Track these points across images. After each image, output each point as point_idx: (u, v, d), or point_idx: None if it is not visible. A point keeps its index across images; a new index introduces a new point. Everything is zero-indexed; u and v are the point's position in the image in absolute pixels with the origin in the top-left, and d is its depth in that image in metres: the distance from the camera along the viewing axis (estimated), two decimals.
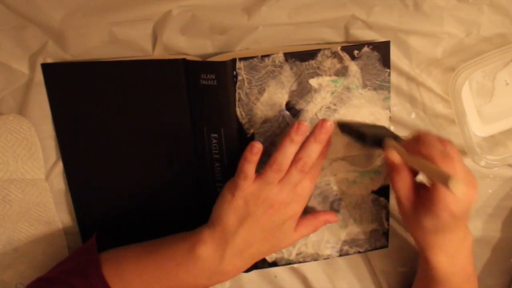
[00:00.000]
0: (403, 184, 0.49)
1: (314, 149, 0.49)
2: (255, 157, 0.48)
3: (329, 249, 0.60)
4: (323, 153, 0.51)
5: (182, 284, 0.50)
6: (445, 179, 0.41)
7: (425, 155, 0.46)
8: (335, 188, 0.57)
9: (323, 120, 0.49)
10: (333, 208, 0.58)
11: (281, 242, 0.52)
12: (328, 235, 0.59)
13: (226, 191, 0.50)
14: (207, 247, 0.49)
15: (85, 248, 0.54)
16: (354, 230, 0.59)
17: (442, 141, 0.48)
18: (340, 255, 0.60)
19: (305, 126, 0.48)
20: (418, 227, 0.49)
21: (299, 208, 0.52)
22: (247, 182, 0.49)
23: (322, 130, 0.49)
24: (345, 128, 0.54)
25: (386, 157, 0.49)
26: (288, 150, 0.49)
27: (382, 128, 0.54)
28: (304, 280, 0.63)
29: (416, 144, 0.48)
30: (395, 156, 0.48)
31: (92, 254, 0.51)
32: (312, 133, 0.50)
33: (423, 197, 0.48)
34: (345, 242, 0.60)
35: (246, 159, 0.48)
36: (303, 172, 0.50)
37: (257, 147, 0.48)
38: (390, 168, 0.49)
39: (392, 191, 0.52)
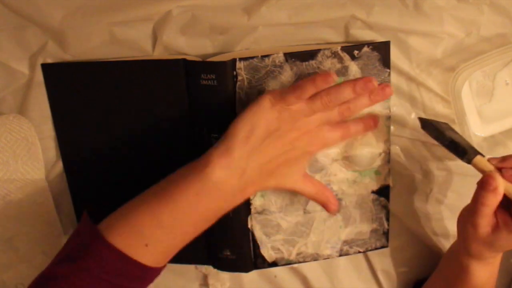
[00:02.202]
0: (492, 203, 0.47)
1: (364, 103, 0.50)
2: (324, 85, 0.47)
3: (329, 249, 0.60)
4: (365, 128, 0.52)
5: (206, 213, 0.47)
6: None
7: None
8: (335, 188, 0.57)
9: (387, 85, 0.50)
10: None
11: (288, 176, 0.50)
12: (328, 235, 0.59)
13: (265, 99, 0.47)
14: (225, 168, 0.46)
15: (80, 228, 0.48)
16: (354, 230, 0.59)
17: None
18: (340, 255, 0.60)
19: (373, 85, 0.48)
20: (483, 240, 0.49)
21: (318, 149, 0.51)
22: (298, 102, 0.47)
23: (381, 92, 0.50)
24: (428, 126, 0.52)
25: (489, 175, 0.48)
26: (346, 93, 0.48)
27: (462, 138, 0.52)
28: (304, 280, 0.63)
29: (508, 162, 0.48)
30: (499, 179, 0.47)
31: (91, 228, 0.47)
32: (371, 91, 0.49)
33: (505, 217, 0.48)
34: (345, 242, 0.60)
35: (314, 83, 0.46)
36: (342, 116, 0.50)
37: (332, 78, 0.46)
38: (486, 185, 0.48)
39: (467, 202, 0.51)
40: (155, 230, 0.46)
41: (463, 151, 0.50)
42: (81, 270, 0.44)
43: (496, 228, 0.48)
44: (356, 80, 0.48)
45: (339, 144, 0.55)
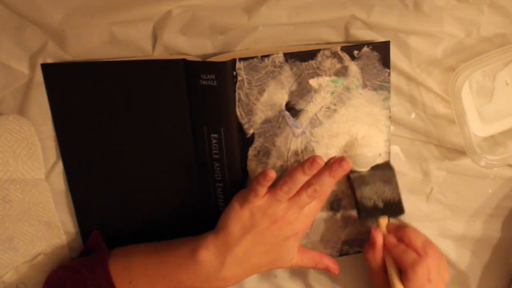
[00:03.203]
0: (373, 259, 0.55)
1: (328, 182, 0.52)
2: (268, 183, 0.50)
3: (329, 249, 0.60)
4: (335, 176, 0.53)
5: (182, 285, 0.52)
6: None
7: (404, 248, 0.54)
8: (335, 188, 0.57)
9: (342, 159, 0.52)
10: (333, 208, 0.58)
11: (282, 259, 0.54)
12: (328, 235, 0.59)
13: (235, 201, 0.52)
14: (208, 252, 0.51)
15: (92, 245, 0.57)
16: (354, 230, 0.59)
17: (426, 243, 0.54)
18: (340, 255, 0.60)
19: (319, 163, 0.50)
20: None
21: (303, 227, 0.54)
22: (257, 199, 0.51)
23: (339, 168, 0.52)
24: (353, 181, 0.56)
25: (372, 235, 0.55)
26: (299, 178, 0.51)
27: (392, 191, 0.56)
28: (304, 280, 0.63)
29: (400, 232, 0.55)
30: (379, 238, 0.55)
31: (102, 250, 0.55)
32: (329, 166, 0.52)
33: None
34: (345, 242, 0.60)
35: (259, 182, 0.50)
36: (312, 198, 0.52)
37: (271, 176, 0.49)
38: (371, 243, 0.55)
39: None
40: (141, 275, 0.53)
41: (358, 212, 0.56)
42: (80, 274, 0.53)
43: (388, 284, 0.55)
44: (302, 163, 0.51)
45: (339, 144, 0.55)
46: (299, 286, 0.63)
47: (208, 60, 0.53)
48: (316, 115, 0.54)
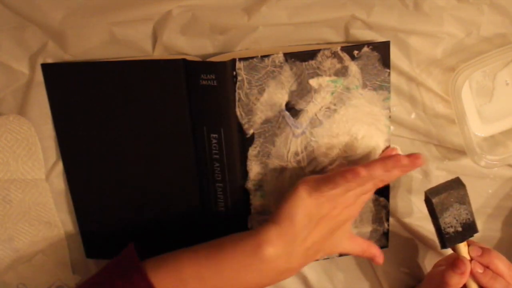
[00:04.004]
0: (455, 284, 0.53)
1: (396, 175, 0.50)
2: (354, 181, 0.47)
3: None
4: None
5: (249, 285, 0.49)
6: None
7: (493, 275, 0.53)
8: None
9: (416, 157, 0.48)
10: None
11: (337, 244, 0.53)
12: None
13: (302, 189, 0.49)
14: (275, 247, 0.47)
15: (124, 257, 0.50)
16: (354, 230, 0.59)
17: (510, 267, 0.53)
18: (341, 255, 0.60)
19: (406, 167, 0.48)
20: None
21: (357, 211, 0.53)
22: (332, 191, 0.48)
23: (411, 165, 0.49)
24: (435, 208, 0.54)
25: (458, 263, 0.53)
26: (377, 172, 0.48)
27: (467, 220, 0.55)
28: (304, 280, 0.63)
29: (486, 259, 0.54)
30: (467, 266, 0.53)
31: (135, 262, 0.48)
32: (403, 164, 0.48)
33: None
34: None
35: (345, 178, 0.47)
36: (376, 187, 0.51)
37: (363, 175, 0.47)
38: (453, 269, 0.53)
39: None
40: (196, 284, 0.48)
41: (442, 241, 0.55)
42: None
43: None
44: (386, 159, 0.48)
45: (339, 145, 0.55)
46: (298, 286, 0.63)
47: (208, 60, 0.53)
48: (316, 115, 0.54)
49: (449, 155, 0.59)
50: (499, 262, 0.53)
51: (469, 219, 0.54)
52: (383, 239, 0.60)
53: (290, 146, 0.55)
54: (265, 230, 0.48)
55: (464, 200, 0.54)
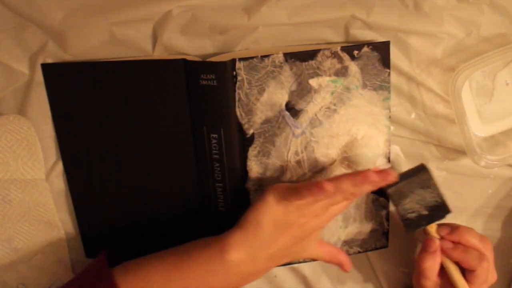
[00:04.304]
0: (431, 265, 0.55)
1: (367, 189, 0.49)
2: (321, 196, 0.47)
3: None
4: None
5: None
6: None
7: (464, 248, 0.54)
8: None
9: (388, 173, 0.48)
10: None
11: (304, 250, 0.53)
12: (328, 235, 0.59)
13: (270, 196, 0.49)
14: (239, 251, 0.48)
15: (94, 265, 0.51)
16: (354, 230, 0.59)
17: (481, 239, 0.54)
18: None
19: (374, 183, 0.48)
20: None
21: (326, 221, 0.52)
22: (299, 202, 0.48)
23: (382, 180, 0.48)
24: (390, 197, 0.55)
25: (427, 243, 0.55)
26: (345, 186, 0.48)
27: (435, 198, 0.55)
28: (304, 280, 0.63)
29: (455, 235, 0.54)
30: (435, 245, 0.54)
31: (104, 270, 0.50)
32: (372, 180, 0.48)
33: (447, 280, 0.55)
34: (345, 242, 0.60)
35: (311, 192, 0.47)
36: (347, 200, 0.51)
37: (328, 192, 0.46)
38: (425, 250, 0.55)
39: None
40: None
41: (405, 227, 0.56)
42: None
43: (441, 287, 0.55)
44: (355, 174, 0.48)
45: (339, 145, 0.55)
46: (298, 286, 0.63)
47: (208, 60, 0.53)
48: (316, 115, 0.54)
49: (449, 155, 0.59)
50: (469, 236, 0.54)
51: (436, 201, 0.55)
52: (383, 239, 0.60)
53: (290, 146, 0.55)
54: (230, 235, 0.49)
55: (427, 184, 0.55)
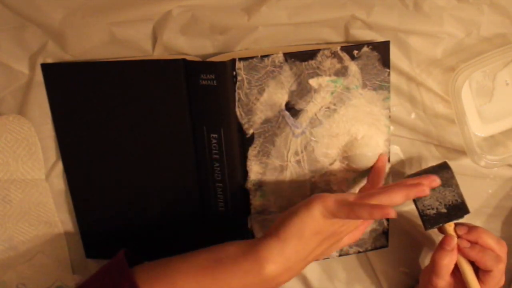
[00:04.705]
0: (447, 263, 0.54)
1: (399, 200, 0.47)
2: (372, 217, 0.45)
3: None
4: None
5: None
6: None
7: (481, 248, 0.53)
8: (335, 188, 0.57)
9: (419, 185, 0.47)
10: None
11: (329, 253, 0.53)
12: None
13: (316, 208, 0.46)
14: (277, 265, 0.45)
15: (113, 264, 0.49)
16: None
17: (498, 242, 0.54)
18: (340, 255, 0.60)
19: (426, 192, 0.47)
20: None
21: (352, 227, 0.51)
22: (347, 218, 0.46)
23: (417, 192, 0.47)
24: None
25: (445, 241, 0.54)
26: (395, 199, 0.46)
27: (456, 198, 0.55)
28: (304, 280, 0.63)
29: (473, 235, 0.54)
30: (452, 243, 0.54)
31: (125, 270, 0.47)
32: (407, 189, 0.47)
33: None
34: None
35: (369, 213, 0.44)
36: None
37: (391, 215, 0.43)
38: (442, 248, 0.54)
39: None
40: None
41: (423, 223, 0.56)
42: None
43: (452, 286, 0.55)
44: (409, 186, 0.47)
45: (339, 145, 0.55)
46: (298, 286, 0.63)
47: (208, 60, 0.53)
48: (316, 115, 0.54)
49: (449, 155, 0.59)
50: (487, 237, 0.54)
51: (456, 200, 0.55)
52: (383, 238, 0.60)
53: (290, 146, 0.55)
54: (268, 246, 0.46)
55: (449, 183, 0.55)
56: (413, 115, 0.57)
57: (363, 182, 0.57)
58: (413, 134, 0.58)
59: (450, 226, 0.55)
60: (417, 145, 0.58)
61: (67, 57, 0.54)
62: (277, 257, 0.45)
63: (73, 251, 0.60)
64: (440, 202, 0.55)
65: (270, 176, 0.56)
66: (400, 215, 0.60)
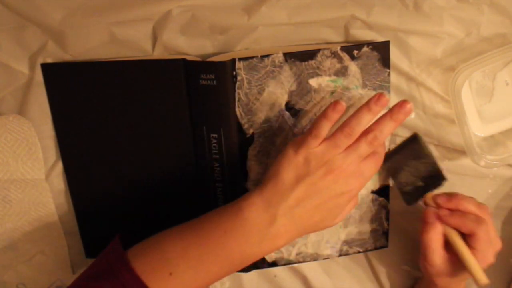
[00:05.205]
0: (434, 236, 0.53)
1: (388, 127, 0.47)
2: (336, 115, 0.46)
3: (329, 249, 0.60)
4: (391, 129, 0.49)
5: (232, 255, 0.47)
6: (472, 274, 0.51)
7: (461, 213, 0.52)
8: None
9: (404, 101, 0.47)
10: None
11: (331, 218, 0.49)
12: (328, 235, 0.59)
13: (289, 148, 0.47)
14: (257, 207, 0.46)
15: (109, 248, 0.50)
16: (354, 230, 0.59)
17: (478, 205, 0.53)
18: (340, 255, 0.60)
19: (386, 98, 0.47)
20: (444, 274, 0.54)
21: (357, 186, 0.49)
22: (317, 141, 0.47)
23: (401, 110, 0.47)
24: (389, 162, 0.54)
25: (424, 214, 0.53)
26: (364, 117, 0.47)
27: (430, 166, 0.53)
28: (304, 280, 0.63)
29: (452, 203, 0.53)
30: (432, 216, 0.53)
31: (118, 251, 0.48)
32: (390, 110, 0.47)
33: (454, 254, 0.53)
34: (345, 242, 0.60)
35: (325, 116, 0.46)
36: (372, 146, 0.47)
37: (342, 105, 0.46)
38: (423, 222, 0.53)
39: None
40: (181, 260, 0.46)
41: (403, 200, 0.55)
42: None
43: (449, 261, 0.53)
44: (368, 101, 0.47)
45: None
46: (298, 286, 0.63)
47: (208, 60, 0.53)
48: (316, 115, 0.54)
49: (449, 155, 0.59)
50: (466, 202, 0.52)
51: (431, 170, 0.53)
52: (383, 238, 0.60)
53: None
54: (249, 194, 0.47)
55: (419, 154, 0.53)
56: (413, 115, 0.57)
57: None
58: None
59: (428, 198, 0.54)
60: None
61: (67, 57, 0.54)
62: (257, 200, 0.46)
63: (73, 251, 0.60)
64: (416, 176, 0.54)
65: None
66: (400, 215, 0.60)
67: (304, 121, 0.54)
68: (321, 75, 0.53)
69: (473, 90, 0.56)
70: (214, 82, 0.51)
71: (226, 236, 0.46)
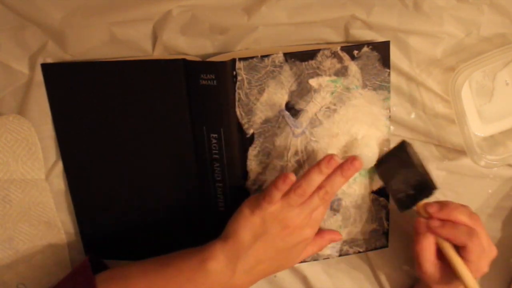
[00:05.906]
0: (426, 245, 0.53)
1: (339, 182, 0.51)
2: (286, 187, 0.49)
3: (329, 249, 0.60)
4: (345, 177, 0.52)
5: None
6: (465, 285, 0.51)
7: (452, 225, 0.52)
8: None
9: (354, 158, 0.51)
10: (333, 208, 0.58)
11: (289, 262, 0.54)
12: None
13: (245, 207, 0.51)
14: (218, 262, 0.49)
15: (78, 270, 0.53)
16: (354, 230, 0.59)
17: (470, 215, 0.52)
18: (340, 255, 0.60)
19: (336, 161, 0.50)
20: (439, 281, 0.54)
21: (312, 233, 0.53)
22: (270, 205, 0.50)
23: (351, 167, 0.50)
24: (381, 168, 0.55)
25: (414, 224, 0.54)
26: (315, 179, 0.50)
27: (421, 177, 0.53)
28: (304, 280, 0.63)
29: (444, 213, 0.52)
30: (422, 226, 0.53)
31: (87, 275, 0.51)
32: (340, 167, 0.50)
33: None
34: (345, 242, 0.60)
35: (276, 187, 0.49)
36: (323, 200, 0.51)
37: (291, 179, 0.49)
38: (414, 232, 0.54)
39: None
40: None
41: (398, 208, 0.55)
42: None
43: (443, 269, 0.53)
44: (318, 162, 0.50)
45: (339, 145, 0.55)
46: (298, 286, 0.63)
47: (208, 60, 0.53)
48: (316, 115, 0.54)
49: (449, 155, 0.59)
50: (458, 213, 0.52)
51: (420, 179, 0.53)
52: (383, 239, 0.60)
53: (290, 146, 0.55)
54: (211, 246, 0.50)
55: (407, 163, 0.53)
56: (413, 115, 0.57)
57: (364, 182, 0.57)
58: (413, 134, 0.58)
59: (420, 207, 0.53)
60: (417, 145, 0.58)
61: (67, 57, 0.54)
62: (219, 254, 0.49)
63: (73, 251, 0.60)
64: (406, 184, 0.54)
65: (270, 176, 0.56)
66: (400, 215, 0.60)
67: (304, 121, 0.54)
68: (321, 75, 0.53)
69: (473, 90, 0.56)
70: (214, 82, 0.51)
71: (188, 283, 0.49)
